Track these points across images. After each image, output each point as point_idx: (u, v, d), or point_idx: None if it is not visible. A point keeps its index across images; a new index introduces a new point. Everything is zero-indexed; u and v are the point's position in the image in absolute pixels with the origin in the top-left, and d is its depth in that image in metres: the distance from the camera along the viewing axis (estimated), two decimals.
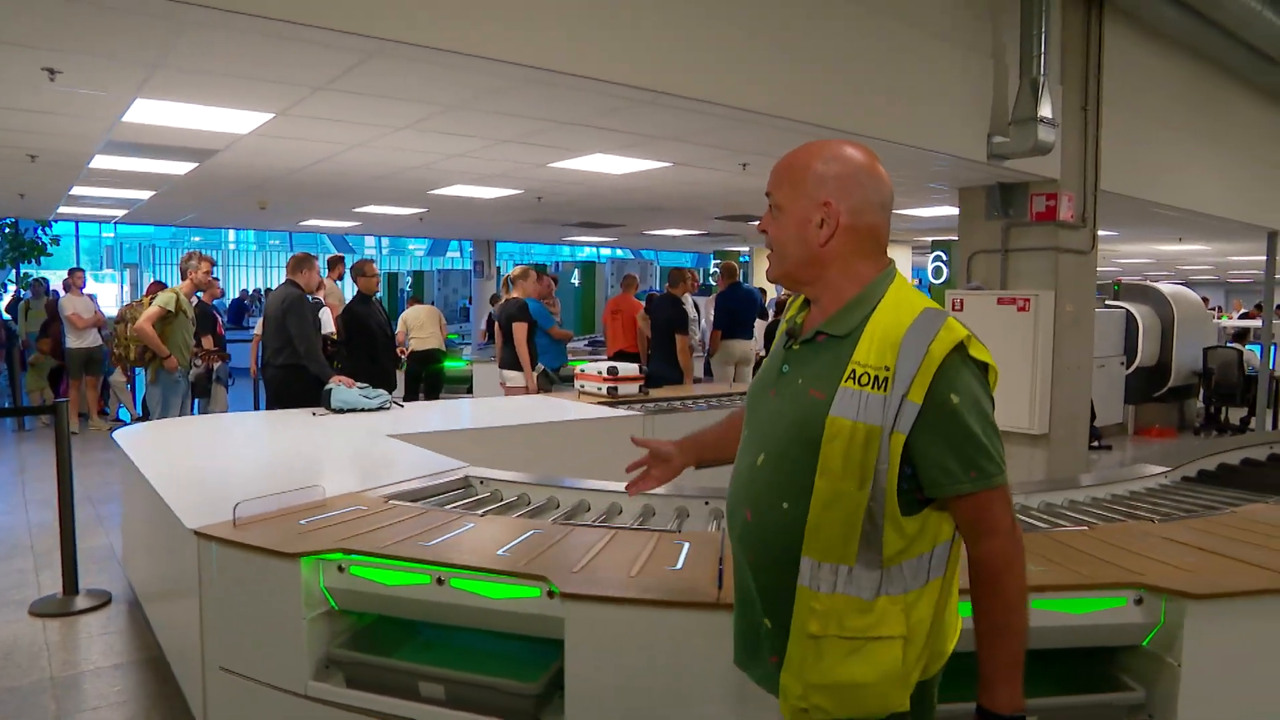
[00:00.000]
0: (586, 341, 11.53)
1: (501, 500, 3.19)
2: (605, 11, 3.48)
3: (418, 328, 8.81)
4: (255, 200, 8.56)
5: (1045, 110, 5.01)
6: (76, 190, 7.65)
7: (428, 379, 8.85)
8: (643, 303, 8.59)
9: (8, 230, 16.22)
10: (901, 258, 14.10)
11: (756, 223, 1.58)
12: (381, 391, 5.07)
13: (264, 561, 2.41)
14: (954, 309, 6.07)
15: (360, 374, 5.66)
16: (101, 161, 5.91)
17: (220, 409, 7.87)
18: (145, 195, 8.10)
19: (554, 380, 6.96)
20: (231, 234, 29.01)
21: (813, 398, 1.36)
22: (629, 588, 2.04)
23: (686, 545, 2.37)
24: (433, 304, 11.59)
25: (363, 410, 4.84)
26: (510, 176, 6.66)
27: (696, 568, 2.16)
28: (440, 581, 2.26)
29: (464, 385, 10.02)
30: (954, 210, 6.67)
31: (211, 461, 3.72)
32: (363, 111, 4.30)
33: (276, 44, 3.17)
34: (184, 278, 6.21)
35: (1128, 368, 9.43)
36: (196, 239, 28.60)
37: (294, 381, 5.21)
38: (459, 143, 5.24)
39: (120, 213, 9.90)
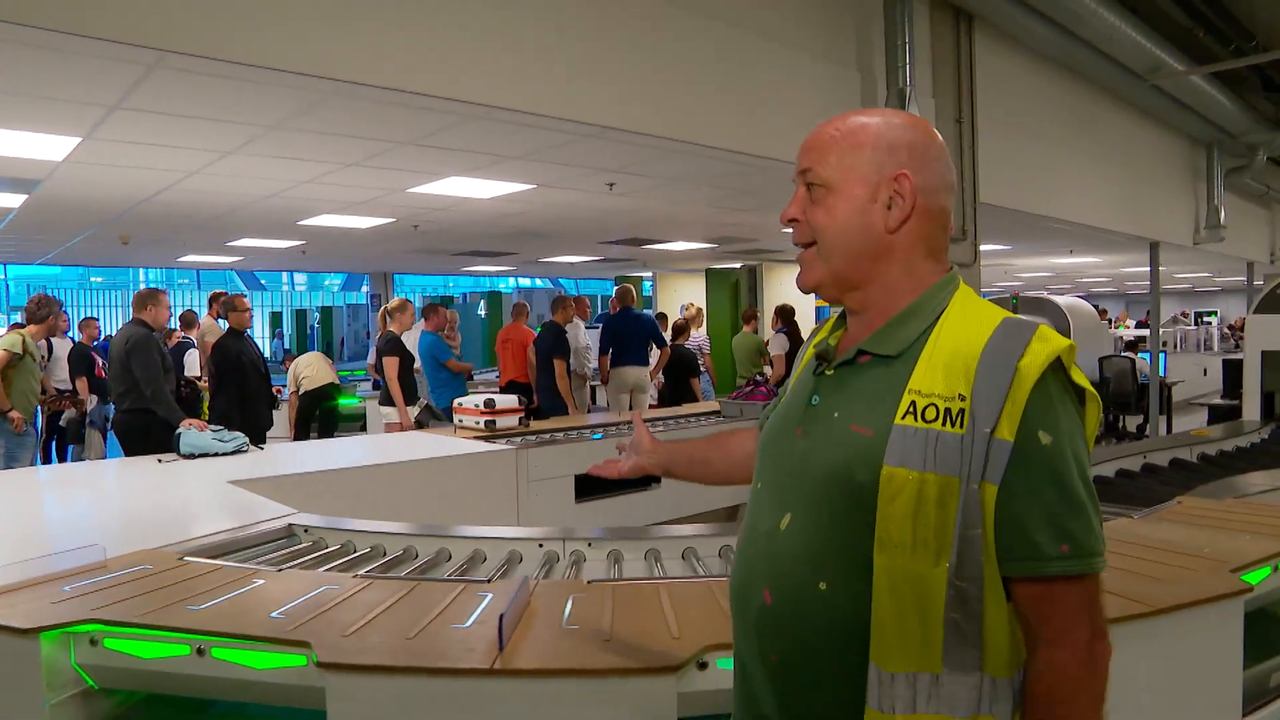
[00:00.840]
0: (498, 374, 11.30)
1: (321, 550, 2.96)
2: (416, 17, 3.29)
3: (307, 370, 8.62)
4: (117, 235, 8.12)
5: None
6: None
7: (321, 417, 8.68)
8: (535, 332, 8.43)
9: None
10: None
11: (788, 223, 1.19)
12: (237, 434, 4.77)
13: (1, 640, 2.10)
14: None
15: (231, 413, 5.33)
16: None
17: (96, 455, 7.50)
18: None
19: (438, 415, 6.74)
20: (142, 274, 28.03)
21: (856, 435, 1.05)
22: (396, 653, 1.82)
23: (488, 597, 2.16)
24: (339, 340, 11.27)
25: (215, 455, 4.55)
26: (377, 204, 6.47)
27: (488, 625, 1.95)
28: (200, 652, 2.00)
29: (358, 423, 10.00)
30: None
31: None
32: (175, 134, 4.08)
33: (58, 57, 2.90)
34: (31, 322, 5.82)
35: None
36: (97, 279, 27.49)
37: (144, 426, 4.89)
38: (300, 168, 5.05)
39: None
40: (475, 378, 10.76)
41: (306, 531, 3.14)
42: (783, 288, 13.49)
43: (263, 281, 28.69)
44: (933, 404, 1.01)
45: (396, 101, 3.33)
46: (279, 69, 2.94)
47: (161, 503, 3.69)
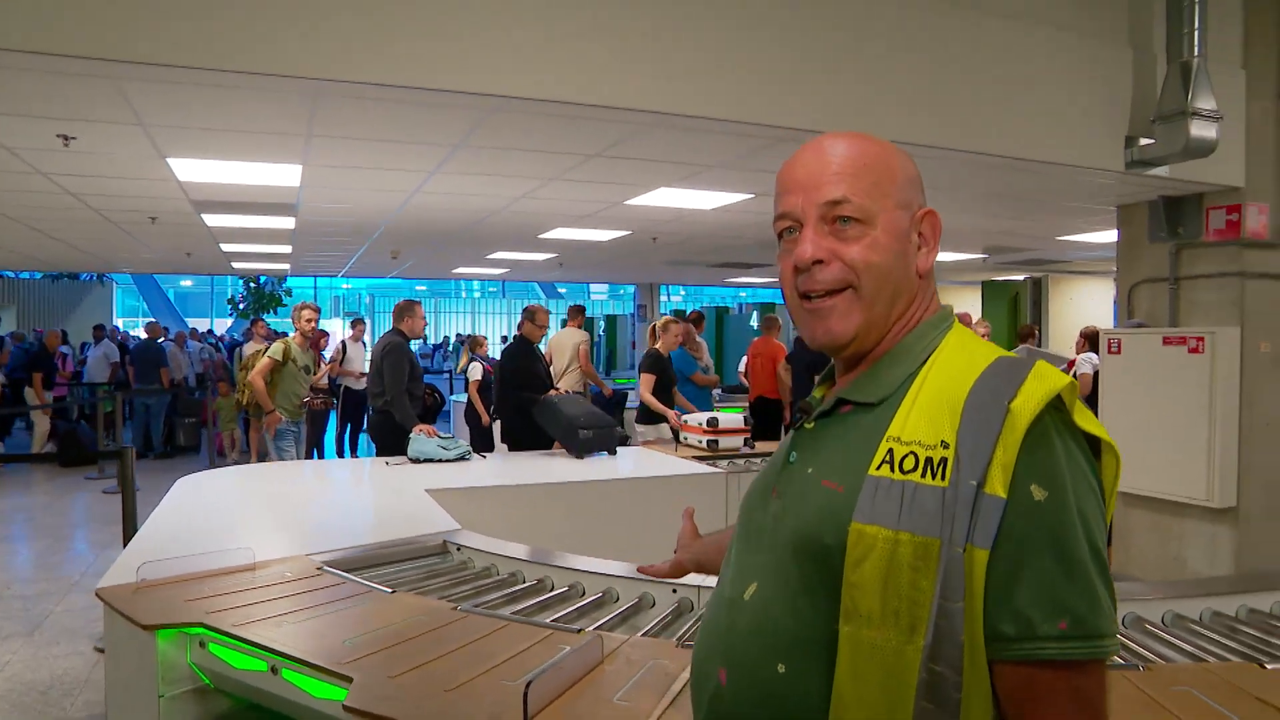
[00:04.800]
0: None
1: (460, 571, 2.97)
2: (606, 37, 3.27)
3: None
4: (389, 251, 9.03)
5: (1203, 101, 4.12)
6: (226, 247, 8.40)
7: None
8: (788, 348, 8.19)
9: (253, 286, 19.58)
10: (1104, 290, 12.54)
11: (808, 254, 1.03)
12: (462, 443, 5.10)
13: (129, 630, 2.30)
14: (1110, 351, 5.15)
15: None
16: (213, 220, 6.41)
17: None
18: (274, 249, 8.79)
19: (675, 431, 6.74)
20: (462, 285, 31.87)
21: (826, 491, 0.95)
22: (417, 707, 1.71)
23: (566, 650, 1.99)
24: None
25: (439, 461, 4.85)
26: (602, 217, 6.60)
27: (544, 685, 1.78)
28: (274, 670, 2.05)
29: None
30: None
31: (208, 514, 3.74)
32: (385, 158, 4.40)
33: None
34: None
35: None
36: (421, 288, 31.44)
37: (393, 427, 5.39)
38: (504, 184, 5.24)
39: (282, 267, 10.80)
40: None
41: (459, 550, 3.18)
42: (1073, 303, 12.01)
43: (561, 290, 30.98)
44: (912, 452, 0.89)
45: (559, 114, 3.35)
46: (446, 90, 3.04)
47: (343, 506, 3.96)
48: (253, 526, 3.50)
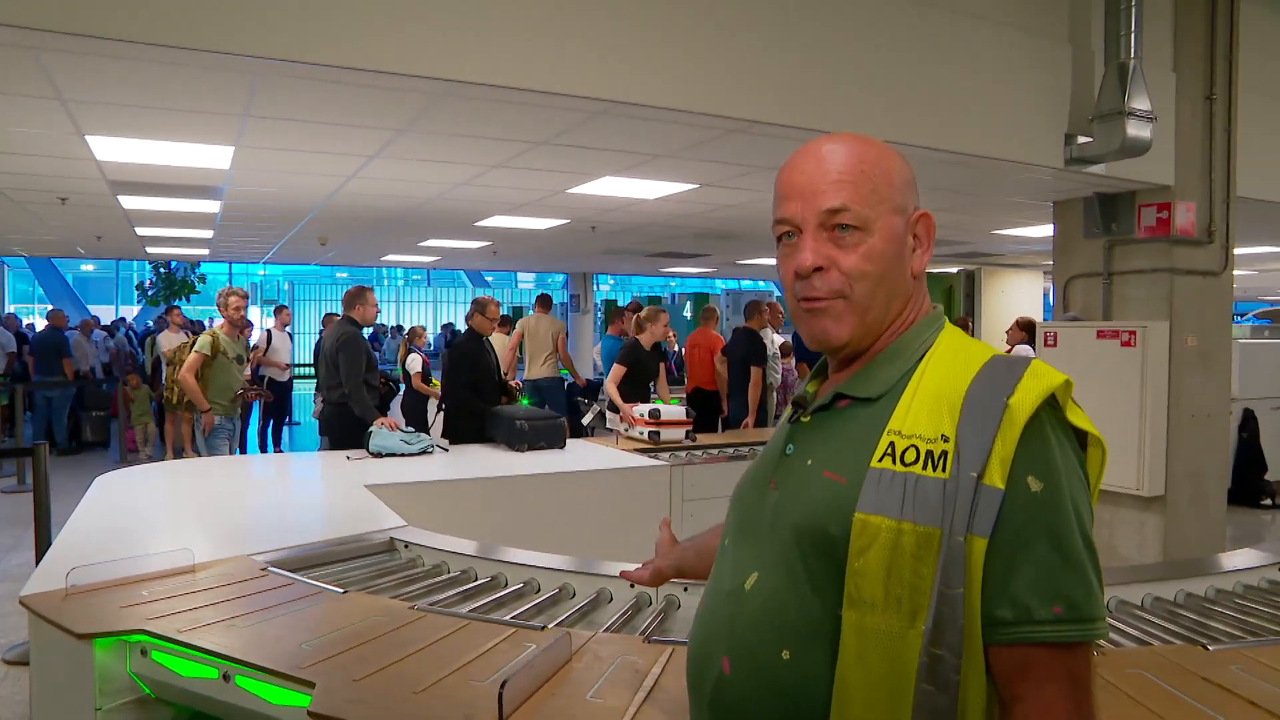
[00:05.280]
0: None
1: (409, 569, 2.93)
2: (560, 23, 3.23)
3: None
4: (318, 237, 8.81)
5: (1138, 102, 4.31)
6: (142, 231, 8.08)
7: None
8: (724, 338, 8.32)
9: (163, 271, 18.72)
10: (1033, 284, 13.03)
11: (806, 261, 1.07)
12: (425, 436, 4.99)
13: (59, 640, 2.20)
14: (1046, 344, 5.35)
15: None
16: (130, 202, 6.15)
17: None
18: (194, 234, 8.49)
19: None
20: (385, 272, 30.91)
21: (828, 482, 0.99)
22: (386, 711, 1.68)
23: (531, 648, 1.99)
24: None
25: (402, 455, 4.78)
26: (542, 205, 6.56)
27: (517, 684, 1.77)
28: (226, 677, 1.99)
29: None
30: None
31: (136, 514, 3.60)
32: (316, 140, 4.29)
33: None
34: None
35: None
36: (343, 275, 30.57)
37: (345, 420, 5.26)
38: (447, 171, 5.18)
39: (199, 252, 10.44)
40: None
41: (406, 547, 3.13)
42: (1005, 295, 12.45)
43: (489, 279, 30.56)
44: (913, 445, 0.95)
45: (511, 100, 3.31)
46: (396, 73, 2.98)
47: (281, 504, 3.86)
48: (186, 526, 3.37)
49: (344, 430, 5.25)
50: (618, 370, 6.08)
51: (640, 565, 1.60)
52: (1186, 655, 1.97)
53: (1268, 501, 7.43)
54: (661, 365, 6.54)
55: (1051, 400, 0.94)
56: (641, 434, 5.51)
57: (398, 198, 6.18)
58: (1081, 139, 4.51)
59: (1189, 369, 5.06)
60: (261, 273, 30.73)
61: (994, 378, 0.95)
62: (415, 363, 8.11)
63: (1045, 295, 13.42)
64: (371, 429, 4.85)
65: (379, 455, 4.71)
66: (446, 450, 5.03)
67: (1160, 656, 1.96)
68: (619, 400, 5.93)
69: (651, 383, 6.41)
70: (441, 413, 5.92)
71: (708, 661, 1.06)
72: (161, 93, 3.35)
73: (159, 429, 9.83)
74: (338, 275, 29.76)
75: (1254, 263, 11.39)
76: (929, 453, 0.93)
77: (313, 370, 16.27)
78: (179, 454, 6.54)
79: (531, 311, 8.89)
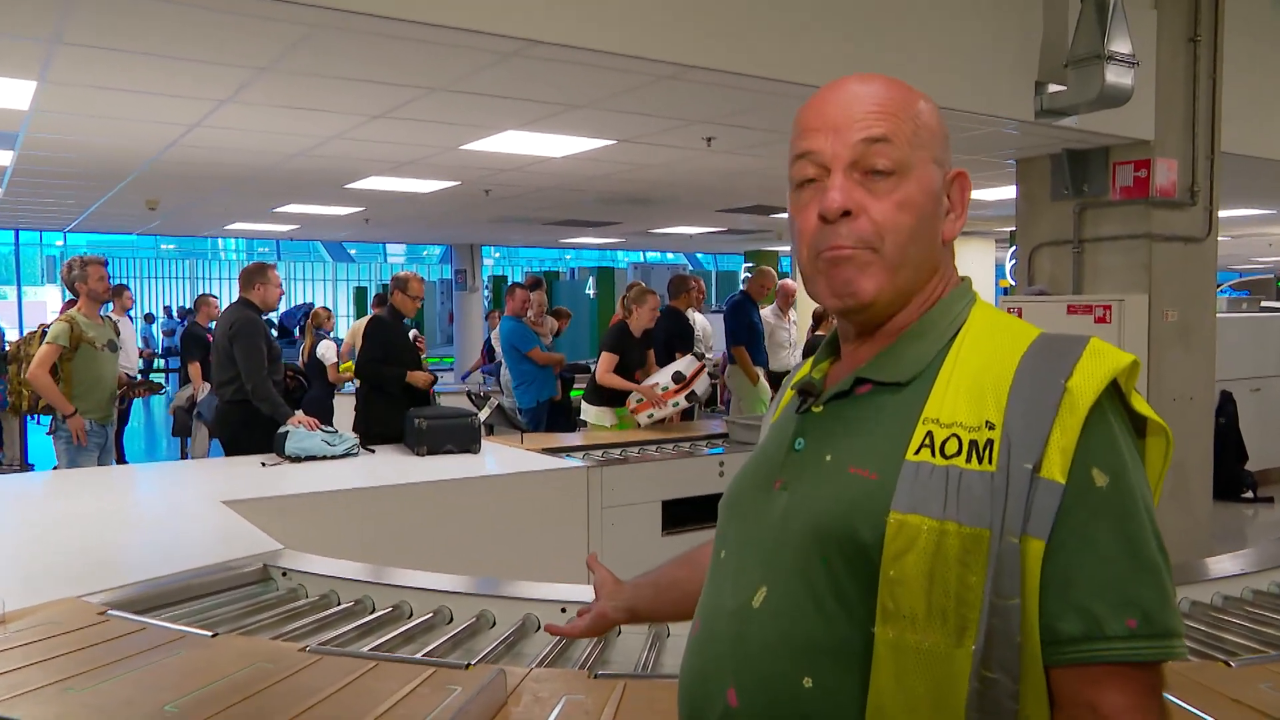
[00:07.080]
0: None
1: (291, 601, 2.83)
2: None
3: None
4: (145, 200, 8.50)
5: (1119, 44, 4.44)
6: None
7: None
8: None
9: None
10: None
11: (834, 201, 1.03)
12: (349, 436, 5.00)
13: None
14: None
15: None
16: None
17: (201, 453, 7.95)
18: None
19: (513, 419, 6.73)
20: (220, 244, 29.63)
21: (856, 479, 0.97)
22: None
23: (456, 691, 1.94)
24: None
25: (324, 458, 4.79)
26: (429, 164, 6.49)
27: None
28: None
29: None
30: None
31: None
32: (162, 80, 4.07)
33: None
34: (73, 293, 5.56)
35: None
36: (169, 247, 29.21)
37: (244, 420, 5.11)
38: (318, 121, 5.04)
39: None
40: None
41: (285, 575, 3.03)
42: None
43: (352, 253, 29.84)
44: (954, 435, 0.93)
45: (405, 35, 3.18)
46: None
47: (120, 530, 3.67)
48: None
49: (242, 431, 5.09)
50: (609, 359, 6.15)
51: (577, 613, 1.55)
52: (1208, 673, 2.01)
53: (1249, 494, 7.57)
54: (649, 351, 6.64)
55: (1115, 385, 0.93)
56: (676, 405, 5.95)
57: (253, 152, 5.97)
58: (1054, 87, 4.59)
59: (1170, 346, 5.25)
60: (60, 243, 28.82)
61: (1047, 358, 0.94)
62: (330, 351, 8.04)
63: (999, 265, 13.91)
64: (286, 429, 4.78)
65: (297, 459, 4.70)
66: (374, 452, 5.07)
67: (1180, 675, 2.00)
68: (627, 385, 6.01)
69: (638, 371, 6.44)
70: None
71: (708, 694, 1.04)
72: None
73: None
74: (163, 247, 28.50)
75: (1232, 227, 11.97)
76: (972, 443, 0.92)
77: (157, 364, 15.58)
78: None
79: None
